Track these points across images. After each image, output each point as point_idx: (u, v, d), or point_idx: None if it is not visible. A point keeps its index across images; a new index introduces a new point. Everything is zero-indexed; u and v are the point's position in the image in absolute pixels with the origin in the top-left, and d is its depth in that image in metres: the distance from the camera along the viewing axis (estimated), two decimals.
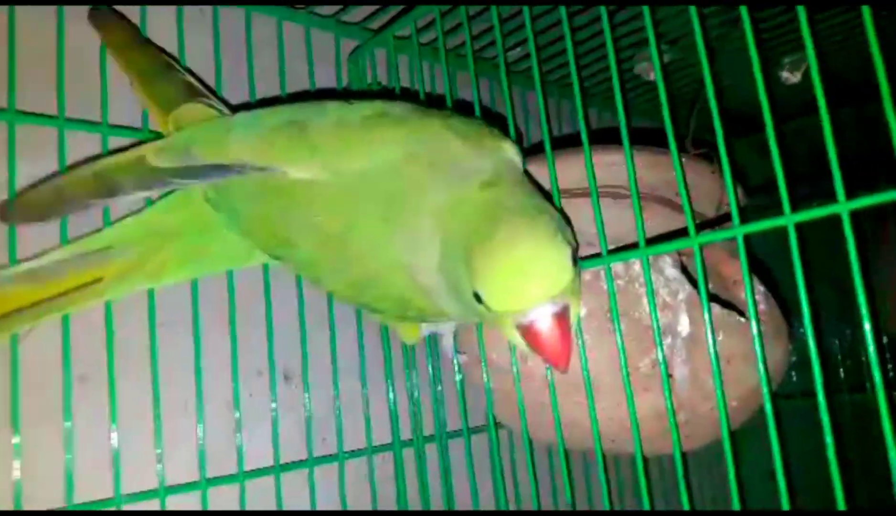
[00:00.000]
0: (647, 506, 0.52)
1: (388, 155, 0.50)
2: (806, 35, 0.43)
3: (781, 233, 0.44)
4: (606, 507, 0.55)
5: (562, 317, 0.44)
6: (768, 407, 0.45)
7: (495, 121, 0.56)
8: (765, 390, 0.45)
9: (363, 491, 0.68)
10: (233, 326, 0.61)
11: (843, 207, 0.41)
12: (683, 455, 0.51)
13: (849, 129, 1.10)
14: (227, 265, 0.59)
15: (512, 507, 0.75)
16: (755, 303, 0.46)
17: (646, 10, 0.51)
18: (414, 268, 0.49)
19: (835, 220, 0.41)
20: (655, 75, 0.78)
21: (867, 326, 0.40)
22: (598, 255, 0.53)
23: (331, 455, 0.66)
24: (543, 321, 0.43)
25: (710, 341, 0.47)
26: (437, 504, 0.71)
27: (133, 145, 0.55)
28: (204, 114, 0.56)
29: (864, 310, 0.40)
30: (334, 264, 0.53)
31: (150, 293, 0.57)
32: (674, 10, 0.80)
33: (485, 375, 0.62)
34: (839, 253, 0.42)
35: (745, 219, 0.46)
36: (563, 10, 0.56)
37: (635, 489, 0.92)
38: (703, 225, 0.64)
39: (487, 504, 0.70)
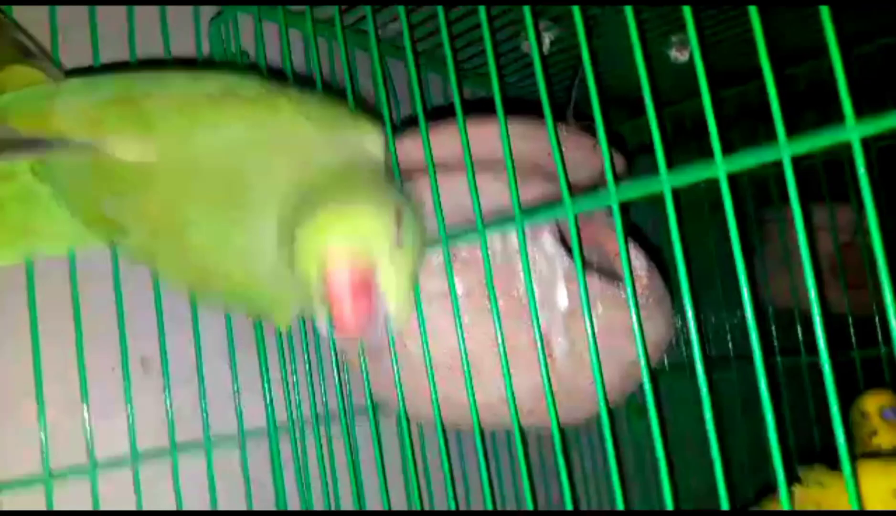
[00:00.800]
0: (525, 480, 0.50)
1: (230, 139, 0.46)
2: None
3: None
4: (484, 479, 0.53)
5: (360, 277, 0.40)
6: (646, 378, 0.44)
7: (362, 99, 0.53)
8: (642, 359, 0.44)
9: (235, 483, 0.64)
10: (77, 311, 0.55)
11: (721, 169, 0.40)
12: (562, 430, 0.50)
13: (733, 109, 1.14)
14: (61, 244, 0.54)
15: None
16: (630, 269, 0.45)
17: None
18: (253, 259, 0.46)
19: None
20: (530, 43, 0.78)
21: (745, 292, 0.40)
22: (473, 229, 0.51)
23: (196, 441, 0.62)
24: (338, 277, 0.39)
25: (587, 313, 0.46)
26: (317, 490, 0.68)
27: None
28: (33, 79, 0.50)
29: (742, 276, 0.39)
30: (171, 256, 0.49)
31: None
32: None
33: (361, 359, 0.59)
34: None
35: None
36: None
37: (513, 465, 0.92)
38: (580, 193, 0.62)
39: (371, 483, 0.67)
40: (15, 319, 0.54)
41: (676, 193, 0.42)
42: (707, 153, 0.40)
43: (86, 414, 0.56)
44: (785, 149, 0.37)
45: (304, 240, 0.40)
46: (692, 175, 0.42)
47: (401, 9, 0.54)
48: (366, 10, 0.56)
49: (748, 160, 0.39)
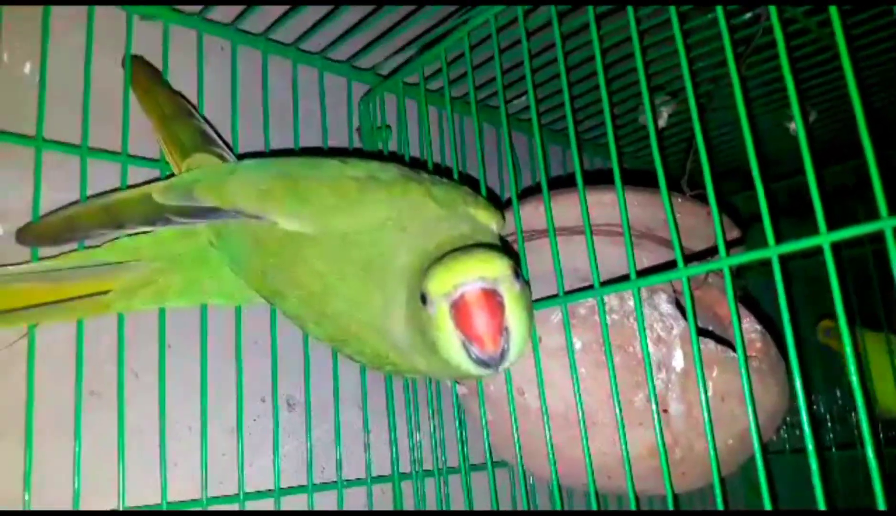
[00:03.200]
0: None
1: (370, 217, 0.54)
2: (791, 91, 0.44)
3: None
4: None
5: (492, 294, 0.45)
6: (756, 444, 0.46)
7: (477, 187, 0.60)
8: (752, 424, 0.46)
9: None
10: (238, 351, 0.63)
11: (825, 239, 0.42)
12: (675, 496, 0.51)
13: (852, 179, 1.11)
14: (226, 300, 0.62)
15: None
16: (741, 333, 0.47)
17: (639, 62, 0.53)
18: (386, 328, 0.52)
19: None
20: (646, 116, 0.81)
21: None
22: (590, 288, 0.55)
23: (331, 482, 0.67)
24: (471, 292, 0.44)
25: (700, 375, 0.48)
26: None
27: (150, 177, 0.59)
28: (213, 163, 0.59)
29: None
30: (315, 319, 0.56)
31: (161, 315, 0.59)
32: (675, 62, 0.83)
33: (481, 409, 0.64)
34: None
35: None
36: (560, 59, 0.58)
37: None
38: (692, 258, 0.65)
39: None
40: (189, 360, 0.62)
41: (784, 261, 0.44)
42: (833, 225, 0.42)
43: (238, 454, 0.62)
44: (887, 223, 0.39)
45: (434, 281, 0.46)
46: (799, 244, 0.44)
47: (529, 85, 0.60)
48: (497, 88, 0.62)
49: (852, 231, 0.41)
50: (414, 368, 0.55)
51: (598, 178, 0.67)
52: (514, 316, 0.46)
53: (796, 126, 0.45)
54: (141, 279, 0.56)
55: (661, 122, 0.98)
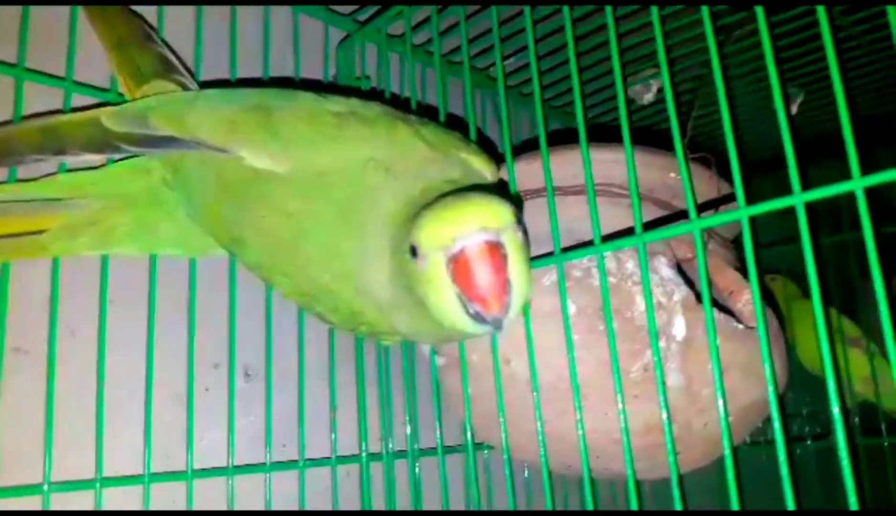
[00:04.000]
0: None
1: (350, 156, 0.48)
2: None
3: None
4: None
5: (496, 247, 0.39)
6: (776, 416, 0.41)
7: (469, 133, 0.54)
8: (772, 399, 0.41)
9: (324, 504, 0.63)
10: (192, 311, 0.56)
11: (858, 183, 0.38)
12: (679, 477, 0.46)
13: None
14: (180, 250, 0.55)
15: None
16: (763, 308, 0.42)
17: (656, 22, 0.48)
18: (364, 278, 0.47)
19: None
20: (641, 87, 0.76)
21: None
22: (589, 244, 0.49)
23: (291, 461, 0.61)
24: (473, 246, 0.39)
25: (712, 344, 0.43)
26: None
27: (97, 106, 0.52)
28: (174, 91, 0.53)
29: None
30: (284, 269, 0.50)
31: (104, 265, 0.52)
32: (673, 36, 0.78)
33: (462, 380, 0.58)
34: None
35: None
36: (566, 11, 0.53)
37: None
38: (704, 207, 0.60)
39: None
40: (135, 315, 0.55)
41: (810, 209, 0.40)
42: None
43: (187, 427, 0.56)
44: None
45: (429, 226, 0.40)
46: (827, 190, 0.39)
47: (532, 58, 0.54)
48: (496, 55, 0.57)
49: (824, 191, 0.39)
50: (393, 328, 0.49)
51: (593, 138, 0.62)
52: (516, 269, 0.40)
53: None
54: (84, 219, 0.50)
55: (650, 97, 0.94)
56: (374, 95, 0.70)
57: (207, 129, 0.47)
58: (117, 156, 0.50)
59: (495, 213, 0.40)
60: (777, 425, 0.41)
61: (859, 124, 0.40)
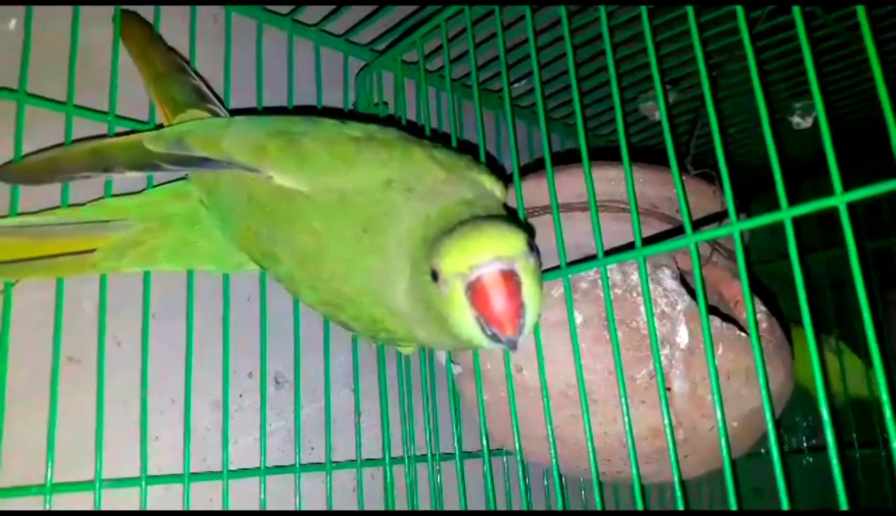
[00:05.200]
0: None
1: (370, 177, 0.51)
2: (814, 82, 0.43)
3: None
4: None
5: (510, 275, 0.43)
6: (770, 422, 0.44)
7: (479, 156, 0.58)
8: (766, 406, 0.43)
9: (350, 504, 0.66)
10: (226, 324, 0.60)
11: (841, 200, 0.41)
12: (682, 482, 0.49)
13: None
14: (217, 266, 0.60)
15: None
16: (755, 313, 0.45)
17: (650, 46, 0.51)
18: (383, 292, 0.50)
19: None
20: (648, 105, 0.79)
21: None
22: (593, 258, 0.53)
23: (319, 463, 0.65)
24: (490, 275, 0.43)
25: (709, 351, 0.46)
26: None
27: None
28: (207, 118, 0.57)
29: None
30: (310, 282, 0.53)
31: (146, 282, 0.57)
32: (679, 54, 0.81)
33: (477, 387, 0.61)
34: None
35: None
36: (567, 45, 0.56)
37: None
38: (700, 223, 0.63)
39: None
40: (174, 330, 0.60)
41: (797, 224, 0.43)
42: None
43: (222, 430, 0.59)
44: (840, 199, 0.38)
45: (450, 254, 0.44)
46: (813, 205, 0.42)
47: (536, 78, 0.57)
48: (502, 79, 0.60)
49: (868, 191, 0.40)
50: (411, 335, 0.53)
51: (599, 157, 0.65)
52: (529, 293, 0.44)
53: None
54: (129, 239, 0.54)
55: (659, 114, 0.97)
56: (391, 121, 0.74)
57: (239, 151, 0.52)
58: (157, 174, 0.55)
59: (509, 243, 0.44)
60: (771, 432, 0.43)
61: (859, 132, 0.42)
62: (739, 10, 0.47)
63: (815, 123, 0.96)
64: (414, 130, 0.59)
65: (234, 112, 0.61)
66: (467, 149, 0.59)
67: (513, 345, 0.45)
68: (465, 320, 0.45)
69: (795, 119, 0.96)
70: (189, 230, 0.56)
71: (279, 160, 0.52)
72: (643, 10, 0.52)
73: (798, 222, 0.43)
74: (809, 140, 0.95)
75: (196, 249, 0.57)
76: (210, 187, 0.55)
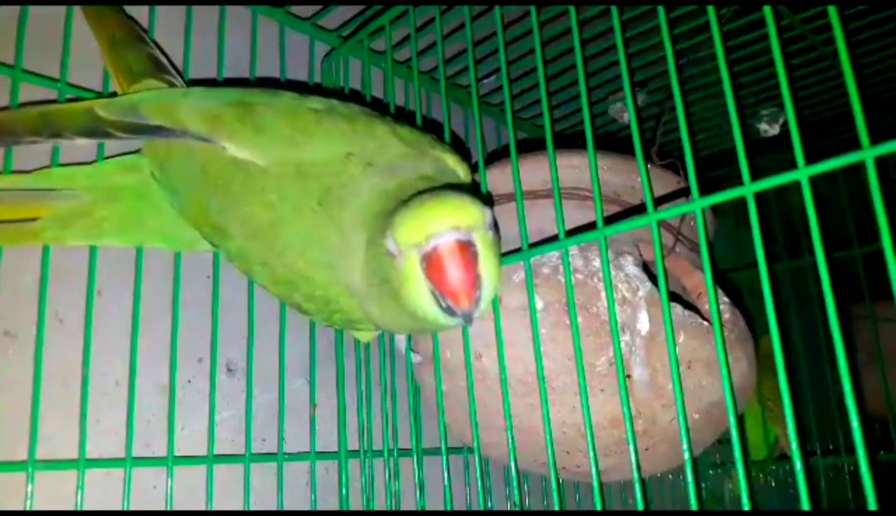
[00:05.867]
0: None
1: (329, 149, 0.50)
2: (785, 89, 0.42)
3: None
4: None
5: (466, 246, 0.42)
6: (731, 412, 0.42)
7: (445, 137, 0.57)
8: (728, 396, 0.42)
9: (302, 499, 0.64)
10: (176, 305, 0.58)
11: (803, 173, 0.40)
12: (642, 479, 0.47)
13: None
14: (166, 243, 0.58)
15: None
16: (716, 298, 0.44)
17: (620, 48, 0.50)
18: (339, 267, 0.49)
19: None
20: (619, 106, 0.79)
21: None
22: (555, 239, 0.52)
23: (270, 453, 0.62)
24: (445, 245, 0.42)
25: (669, 337, 0.44)
26: None
27: None
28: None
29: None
30: (263, 257, 0.52)
31: (93, 255, 0.55)
32: (650, 56, 0.81)
33: (436, 376, 0.59)
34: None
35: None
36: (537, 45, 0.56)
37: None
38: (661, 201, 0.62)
39: None
40: (120, 308, 0.58)
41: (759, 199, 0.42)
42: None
43: (168, 415, 0.57)
44: (868, 153, 0.37)
45: (405, 225, 0.43)
46: (775, 180, 0.42)
47: (504, 78, 0.56)
48: (470, 73, 0.59)
49: (831, 163, 0.39)
50: (367, 317, 0.51)
51: (565, 145, 0.65)
52: (486, 266, 0.43)
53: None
54: (76, 209, 0.52)
55: (628, 116, 0.97)
56: (356, 98, 0.73)
57: (194, 120, 0.50)
58: (109, 147, 0.54)
59: (467, 213, 0.43)
60: (733, 424, 0.42)
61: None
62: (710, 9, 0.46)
63: (782, 130, 0.97)
64: (379, 108, 0.58)
65: (194, 84, 0.59)
66: (433, 128, 0.58)
67: (468, 319, 0.43)
68: (420, 293, 0.43)
69: (763, 126, 0.97)
70: (138, 203, 0.54)
71: (235, 130, 0.50)
72: (613, 10, 0.51)
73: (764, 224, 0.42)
74: (776, 147, 0.96)
75: (145, 223, 0.55)
76: (162, 158, 0.53)
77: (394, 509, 0.67)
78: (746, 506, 0.41)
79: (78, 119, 0.50)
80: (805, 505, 0.38)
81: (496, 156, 0.71)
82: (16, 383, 0.51)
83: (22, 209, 0.51)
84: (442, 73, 0.61)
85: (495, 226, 0.47)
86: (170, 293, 0.58)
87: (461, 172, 0.54)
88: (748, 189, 0.42)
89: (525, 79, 0.88)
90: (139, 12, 0.62)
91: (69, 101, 0.55)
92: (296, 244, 0.50)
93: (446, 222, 0.42)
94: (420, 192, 0.46)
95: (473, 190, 0.53)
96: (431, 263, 0.42)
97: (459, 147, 0.57)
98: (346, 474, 0.67)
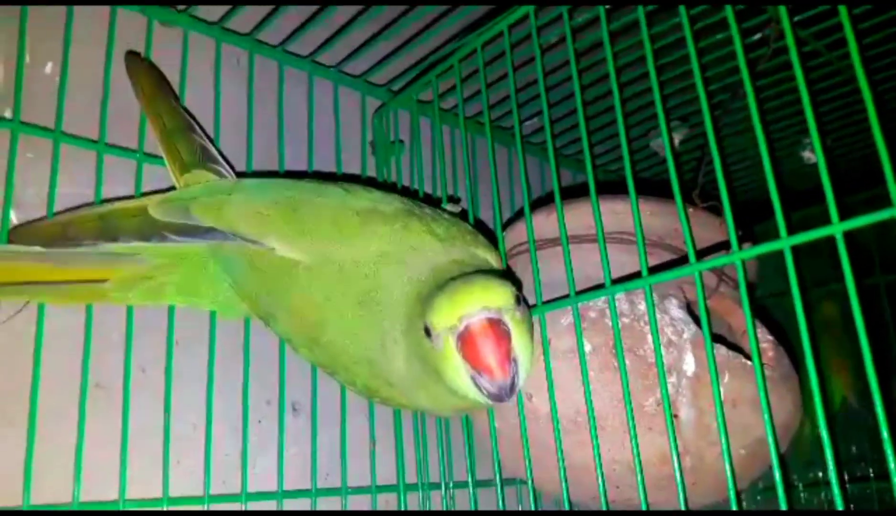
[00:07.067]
0: None
1: (369, 250, 0.53)
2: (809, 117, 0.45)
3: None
4: None
5: (497, 324, 0.45)
6: (773, 448, 0.44)
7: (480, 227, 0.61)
8: (769, 431, 0.44)
9: None
10: (246, 353, 0.63)
11: (838, 228, 0.42)
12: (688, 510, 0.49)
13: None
14: (221, 311, 0.61)
15: None
16: (756, 339, 0.46)
17: (655, 86, 0.53)
18: (380, 362, 0.53)
19: None
20: (659, 142, 0.81)
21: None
22: (601, 287, 0.54)
23: (334, 487, 0.66)
24: (477, 323, 0.45)
25: (713, 378, 0.47)
26: None
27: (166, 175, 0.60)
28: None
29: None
30: (309, 346, 0.56)
31: (171, 310, 0.60)
32: (690, 91, 0.84)
33: (489, 415, 0.63)
34: None
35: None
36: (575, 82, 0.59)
37: None
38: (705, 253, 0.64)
39: None
40: (197, 355, 0.62)
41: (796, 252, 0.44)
42: None
43: (242, 454, 0.62)
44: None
45: (440, 309, 0.46)
46: (811, 234, 0.44)
47: (545, 118, 0.61)
48: (514, 117, 0.63)
49: (863, 220, 0.41)
50: (412, 404, 0.55)
51: (609, 191, 0.67)
52: (519, 343, 0.46)
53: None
54: (140, 273, 0.56)
55: (674, 147, 0.99)
56: (405, 192, 0.77)
57: (241, 222, 0.54)
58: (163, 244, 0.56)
59: (496, 293, 0.46)
60: (775, 459, 0.44)
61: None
62: (738, 46, 0.49)
63: (828, 157, 0.98)
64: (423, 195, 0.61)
65: (256, 155, 0.63)
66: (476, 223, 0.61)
67: (505, 395, 0.46)
68: (459, 375, 0.46)
69: (806, 154, 0.98)
70: (198, 273, 0.58)
71: (281, 230, 0.54)
72: (647, 49, 0.54)
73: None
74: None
75: (202, 292, 0.59)
76: (214, 247, 0.56)
77: None
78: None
79: (133, 222, 0.54)
80: None
81: (541, 202, 0.74)
82: (106, 430, 0.56)
83: (94, 271, 0.55)
84: (487, 118, 0.65)
85: (524, 303, 0.50)
86: (240, 342, 0.63)
87: (492, 259, 0.58)
88: (785, 243, 0.45)
89: (567, 119, 0.91)
90: (203, 81, 0.67)
91: (127, 198, 0.59)
92: (338, 340, 0.53)
93: (477, 303, 0.45)
94: (453, 278, 0.49)
95: (503, 274, 0.57)
96: (465, 342, 0.45)
97: (488, 235, 0.61)
98: (405, 506, 0.70)
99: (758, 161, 1.00)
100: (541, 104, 0.83)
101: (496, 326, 0.45)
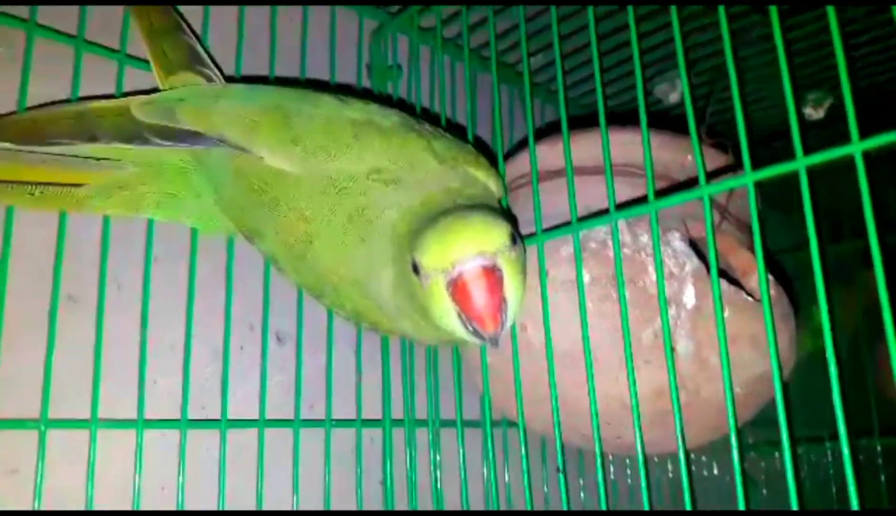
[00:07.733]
0: (645, 498, 0.49)
1: (362, 164, 0.50)
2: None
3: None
4: (602, 500, 0.51)
5: (491, 271, 0.43)
6: (778, 388, 0.43)
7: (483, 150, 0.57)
8: (775, 370, 0.42)
9: (349, 462, 0.66)
10: (230, 273, 0.60)
11: (857, 147, 0.40)
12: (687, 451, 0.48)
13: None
14: (202, 226, 0.58)
15: (503, 504, 0.72)
16: (766, 274, 0.44)
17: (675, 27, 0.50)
18: (368, 284, 0.50)
19: None
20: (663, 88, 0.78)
21: None
22: (605, 213, 0.52)
23: (318, 419, 0.64)
24: (471, 272, 0.43)
25: (717, 310, 0.45)
26: (424, 488, 0.68)
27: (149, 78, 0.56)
28: (199, 84, 0.56)
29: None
30: (294, 265, 0.53)
31: (150, 225, 0.57)
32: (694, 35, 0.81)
33: (481, 348, 0.60)
34: None
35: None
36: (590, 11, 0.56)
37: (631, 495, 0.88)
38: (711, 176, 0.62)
39: (476, 497, 0.67)
40: (176, 275, 0.60)
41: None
42: None
43: (222, 380, 0.59)
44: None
45: (431, 249, 0.43)
46: (828, 154, 0.41)
47: (556, 56, 0.58)
48: (522, 52, 0.60)
49: (886, 137, 0.39)
50: (397, 329, 0.53)
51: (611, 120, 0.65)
52: (511, 289, 0.45)
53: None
54: (119, 181, 0.53)
55: (676, 97, 0.96)
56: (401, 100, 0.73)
57: (231, 127, 0.50)
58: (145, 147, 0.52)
59: (491, 236, 0.44)
60: (779, 398, 0.42)
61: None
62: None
63: (828, 114, 0.96)
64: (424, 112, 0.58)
65: (245, 77, 0.60)
66: (477, 144, 0.58)
67: (494, 342, 0.45)
68: (446, 314, 0.45)
69: (808, 110, 0.96)
70: (180, 184, 0.55)
71: (271, 139, 0.50)
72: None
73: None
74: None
75: (183, 205, 0.56)
76: (199, 156, 0.53)
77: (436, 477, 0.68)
78: (792, 484, 0.41)
79: (114, 122, 0.50)
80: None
81: (545, 132, 0.71)
82: (78, 344, 0.53)
83: (71, 174, 0.52)
84: (493, 51, 0.61)
85: (520, 240, 0.48)
86: (224, 262, 0.60)
87: (492, 184, 0.55)
88: (801, 163, 0.42)
89: (570, 58, 0.88)
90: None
91: (110, 97, 0.55)
92: (326, 259, 0.51)
93: (471, 248, 0.43)
94: (445, 211, 0.46)
95: (498, 208, 0.54)
96: (457, 289, 0.43)
97: (489, 155, 0.58)
98: (391, 442, 0.68)
99: (756, 110, 1.00)
100: (547, 39, 0.82)
101: (490, 274, 0.43)
